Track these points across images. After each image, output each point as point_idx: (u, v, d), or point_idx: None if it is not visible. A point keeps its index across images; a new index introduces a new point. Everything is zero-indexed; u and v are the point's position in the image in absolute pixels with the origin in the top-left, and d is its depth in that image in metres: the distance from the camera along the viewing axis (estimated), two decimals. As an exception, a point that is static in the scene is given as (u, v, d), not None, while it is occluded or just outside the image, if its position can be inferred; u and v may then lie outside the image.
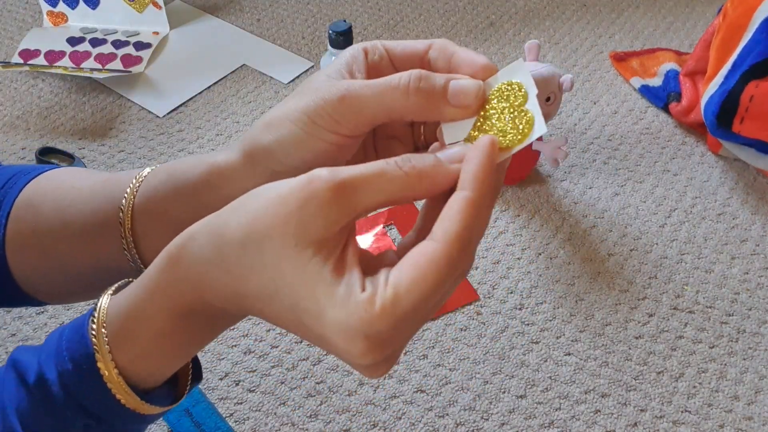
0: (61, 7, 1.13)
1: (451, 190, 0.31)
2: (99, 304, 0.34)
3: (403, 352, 0.73)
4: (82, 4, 1.13)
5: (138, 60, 1.08)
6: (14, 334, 0.74)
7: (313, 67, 1.08)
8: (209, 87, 1.05)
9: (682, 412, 0.70)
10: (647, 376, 0.73)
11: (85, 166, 0.91)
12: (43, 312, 0.76)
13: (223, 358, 0.72)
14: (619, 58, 1.10)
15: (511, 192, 0.90)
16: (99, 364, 0.33)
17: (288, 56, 1.11)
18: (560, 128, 1.00)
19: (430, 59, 0.36)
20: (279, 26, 1.17)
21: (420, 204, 0.36)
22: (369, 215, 0.86)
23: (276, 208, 0.29)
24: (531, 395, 0.71)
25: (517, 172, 0.89)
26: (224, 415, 0.68)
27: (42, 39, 1.11)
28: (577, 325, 0.77)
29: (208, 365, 0.72)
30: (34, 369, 0.34)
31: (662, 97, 1.02)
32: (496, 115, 0.33)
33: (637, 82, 1.06)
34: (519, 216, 0.88)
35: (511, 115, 0.32)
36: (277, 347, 0.73)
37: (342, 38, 0.94)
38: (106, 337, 0.33)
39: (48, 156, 0.93)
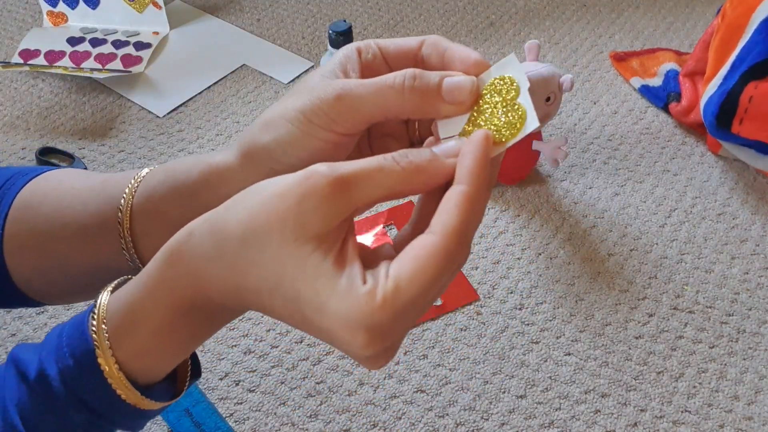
0: (61, 7, 1.13)
1: (447, 183, 0.31)
2: (99, 301, 0.35)
3: (404, 352, 0.73)
4: (82, 4, 1.13)
5: (138, 60, 1.08)
6: (14, 334, 0.74)
7: (313, 67, 1.08)
8: (209, 87, 1.05)
9: (682, 412, 0.70)
10: (647, 376, 0.73)
11: (85, 166, 0.91)
12: (43, 312, 0.76)
13: (223, 358, 0.72)
14: (619, 58, 1.10)
15: (511, 192, 0.90)
16: (99, 360, 0.33)
17: (288, 56, 1.11)
18: (560, 128, 1.00)
19: (423, 56, 0.36)
20: (279, 26, 1.17)
21: (416, 199, 0.36)
22: (369, 215, 0.86)
23: (275, 204, 0.30)
24: (531, 395, 0.71)
25: (517, 172, 0.89)
26: (224, 415, 0.68)
27: (42, 39, 1.11)
28: (577, 325, 0.77)
29: (208, 365, 0.72)
30: (34, 365, 0.34)
31: (662, 97, 1.02)
32: (490, 110, 0.33)
33: (637, 82, 1.06)
34: (519, 216, 0.88)
35: (504, 110, 0.33)
36: (277, 347, 0.73)
37: (342, 38, 0.94)
38: (107, 333, 0.33)
39: (48, 156, 0.93)
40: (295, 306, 0.30)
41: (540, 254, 0.83)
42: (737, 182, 0.92)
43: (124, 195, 0.39)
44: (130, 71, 1.05)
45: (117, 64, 1.06)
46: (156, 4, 1.12)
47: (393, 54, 0.37)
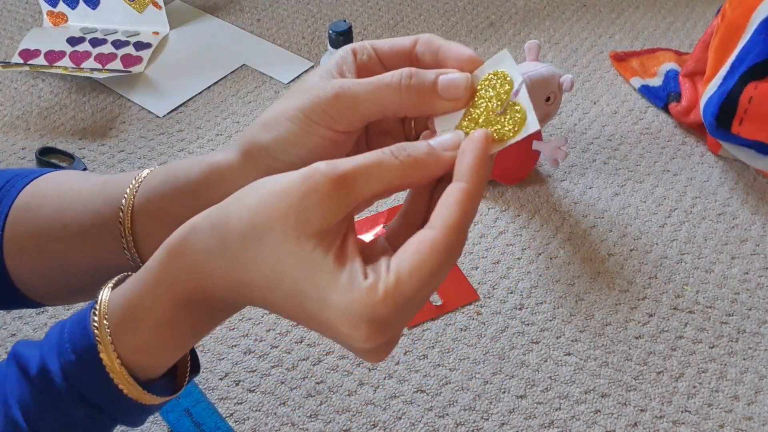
0: (61, 7, 1.13)
1: (440, 177, 0.32)
2: (100, 297, 0.35)
3: (404, 352, 0.73)
4: (82, 4, 1.13)
5: (138, 60, 1.08)
6: (14, 334, 0.74)
7: (313, 67, 1.08)
8: (209, 87, 1.05)
9: (682, 412, 0.70)
10: (647, 376, 0.73)
11: (85, 167, 0.91)
12: (43, 312, 0.76)
13: (223, 358, 0.72)
14: (619, 58, 1.10)
15: (511, 192, 0.90)
16: (101, 355, 0.33)
17: (288, 56, 1.11)
18: (560, 128, 1.00)
19: (417, 54, 0.37)
20: (279, 26, 1.17)
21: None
22: (369, 215, 0.86)
23: (277, 201, 0.30)
24: (531, 395, 0.71)
25: (517, 172, 0.89)
26: (224, 415, 0.68)
27: (42, 39, 1.11)
28: (577, 325, 0.77)
29: (208, 365, 0.72)
30: (35, 361, 0.34)
31: (662, 97, 1.02)
32: (484, 104, 0.34)
33: (637, 82, 1.06)
34: (519, 216, 0.88)
35: (499, 102, 0.34)
36: (277, 347, 0.73)
37: (342, 38, 0.94)
38: (108, 328, 0.33)
39: (48, 156, 0.93)
40: (296, 302, 0.31)
41: (540, 254, 0.83)
42: (737, 182, 0.92)
43: (125, 195, 0.39)
44: (130, 71, 1.05)
45: (117, 64, 1.06)
46: (156, 4, 1.12)
47: (387, 54, 0.37)
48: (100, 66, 1.06)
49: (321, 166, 0.30)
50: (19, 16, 1.19)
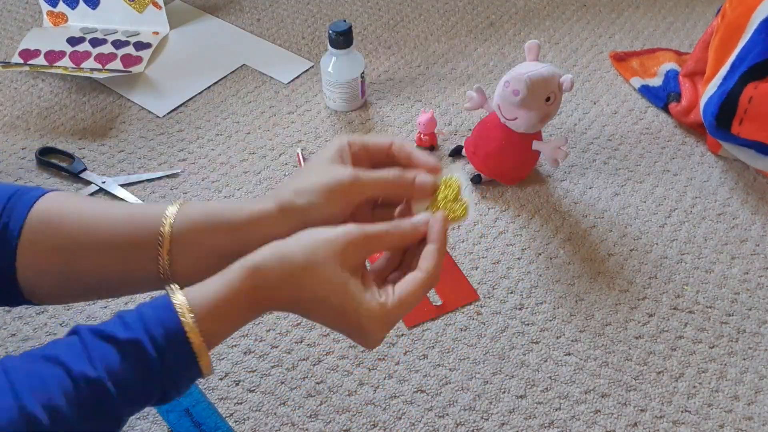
0: (61, 7, 1.13)
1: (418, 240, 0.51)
2: (176, 296, 0.45)
3: (404, 352, 0.73)
4: (82, 4, 1.13)
5: (138, 60, 1.08)
6: (14, 334, 0.74)
7: (313, 67, 1.08)
8: (209, 87, 1.05)
9: (682, 412, 0.70)
10: (647, 376, 0.73)
11: (85, 167, 0.91)
12: (43, 312, 0.76)
13: (223, 358, 0.72)
14: (619, 58, 1.10)
15: (511, 192, 0.90)
16: (190, 335, 0.44)
17: (288, 56, 1.11)
18: (560, 128, 1.00)
19: (393, 152, 0.53)
20: (279, 26, 1.17)
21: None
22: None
23: (327, 246, 0.47)
24: (531, 395, 0.71)
25: (517, 172, 0.89)
26: (224, 415, 0.68)
27: (42, 39, 1.11)
28: (577, 325, 0.77)
29: (208, 365, 0.72)
30: (125, 334, 0.43)
31: (662, 97, 1.02)
32: (443, 196, 0.52)
33: (637, 82, 1.06)
34: (519, 216, 0.88)
35: (453, 195, 0.52)
36: (277, 347, 0.73)
37: (342, 38, 0.94)
38: (194, 319, 0.44)
39: (48, 156, 0.93)
40: (337, 310, 0.47)
41: (540, 254, 0.83)
42: (737, 182, 0.92)
43: (162, 226, 0.50)
44: (130, 71, 1.05)
45: (117, 64, 1.06)
46: (156, 4, 1.12)
47: (372, 149, 0.53)
48: (100, 66, 1.06)
49: (354, 228, 0.48)
50: (19, 16, 1.19)
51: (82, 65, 1.06)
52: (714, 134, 0.90)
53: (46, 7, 1.14)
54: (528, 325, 0.76)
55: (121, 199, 0.88)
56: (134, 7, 1.12)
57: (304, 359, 0.73)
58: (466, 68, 1.09)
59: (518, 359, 0.73)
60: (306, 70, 1.08)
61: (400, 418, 0.68)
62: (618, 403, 0.71)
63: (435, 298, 0.78)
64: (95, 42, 1.11)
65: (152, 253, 0.50)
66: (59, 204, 0.52)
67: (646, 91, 1.04)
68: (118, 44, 1.10)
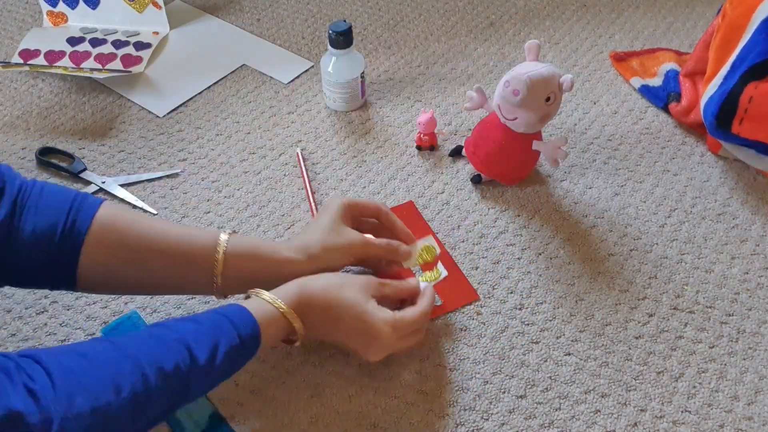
0: (61, 7, 1.13)
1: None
2: (270, 297, 0.64)
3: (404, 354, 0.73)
4: (82, 4, 1.13)
5: (138, 60, 1.08)
6: (14, 334, 0.74)
7: (313, 67, 1.08)
8: (209, 87, 1.05)
9: (682, 412, 0.70)
10: (647, 376, 0.73)
11: (85, 167, 0.91)
12: (43, 312, 0.76)
13: (223, 358, 0.72)
14: (619, 58, 1.10)
15: (511, 192, 0.90)
16: (295, 324, 0.64)
17: (288, 56, 1.11)
18: (560, 128, 1.00)
19: (380, 215, 0.76)
20: (279, 26, 1.17)
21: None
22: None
23: (357, 278, 0.68)
24: (531, 395, 0.71)
25: (517, 172, 0.89)
26: (224, 416, 0.68)
27: (42, 39, 1.11)
28: (577, 325, 0.77)
29: (208, 365, 0.72)
30: (235, 333, 0.60)
31: (662, 97, 1.02)
32: (422, 259, 0.79)
33: (637, 82, 1.06)
34: (519, 216, 0.88)
35: (430, 259, 0.79)
36: (277, 348, 0.73)
37: (342, 38, 0.94)
38: (287, 313, 0.64)
39: (48, 156, 0.93)
40: (360, 320, 0.66)
41: (540, 254, 0.83)
42: (737, 182, 0.92)
43: (217, 252, 0.66)
44: (130, 71, 1.05)
45: (117, 64, 1.06)
46: (156, 4, 1.12)
47: (365, 211, 0.75)
48: (100, 66, 1.06)
49: (373, 278, 0.70)
50: (19, 16, 1.19)
51: (82, 65, 1.06)
52: (714, 134, 0.90)
53: (46, 7, 1.14)
54: (528, 325, 0.76)
55: (122, 200, 0.88)
56: (134, 7, 1.12)
57: (304, 362, 0.72)
58: (466, 68, 1.09)
59: (518, 359, 0.73)
60: (306, 70, 1.08)
61: (400, 419, 0.68)
62: (618, 403, 0.71)
63: (435, 298, 0.78)
64: (95, 42, 1.11)
65: (204, 269, 0.66)
66: (121, 212, 0.65)
67: (646, 91, 1.04)
68: (118, 44, 1.10)
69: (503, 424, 0.69)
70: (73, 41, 1.11)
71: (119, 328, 0.74)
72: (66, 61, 1.07)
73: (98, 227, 0.62)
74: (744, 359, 0.74)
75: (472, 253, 0.83)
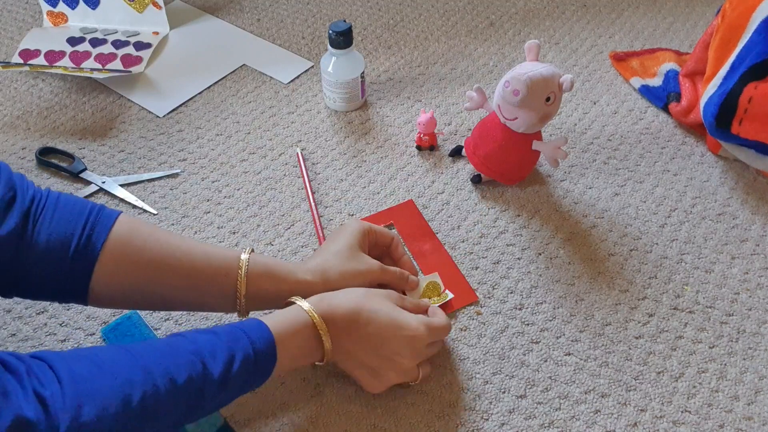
0: (61, 7, 1.14)
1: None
2: (307, 307, 0.64)
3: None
4: (82, 4, 1.13)
5: (138, 60, 1.08)
6: (14, 334, 0.74)
7: (313, 67, 1.08)
8: (209, 87, 1.05)
9: (682, 412, 0.70)
10: (647, 376, 0.73)
11: (85, 167, 0.91)
12: (43, 312, 0.76)
13: (223, 358, 0.72)
14: (619, 58, 1.10)
15: (511, 192, 0.90)
16: (324, 337, 0.63)
17: (288, 56, 1.11)
18: (560, 128, 1.00)
19: (391, 246, 0.78)
20: (279, 26, 1.17)
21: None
22: (371, 215, 0.86)
23: (382, 294, 0.69)
24: (531, 395, 0.71)
25: (517, 172, 0.89)
26: (225, 416, 0.68)
27: (42, 39, 1.11)
28: (577, 325, 0.77)
29: (208, 365, 0.72)
30: (248, 348, 0.59)
31: (662, 97, 1.02)
32: (429, 292, 0.78)
33: (636, 82, 1.06)
34: (519, 216, 0.88)
35: (435, 293, 0.78)
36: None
37: (342, 38, 0.94)
38: (319, 327, 0.63)
39: (48, 156, 0.93)
40: (393, 327, 0.66)
41: (540, 254, 0.83)
42: (737, 182, 0.92)
43: (239, 274, 0.66)
44: (130, 71, 1.05)
45: (117, 64, 1.06)
46: (156, 4, 1.12)
47: (380, 240, 0.77)
48: (100, 66, 1.06)
49: (393, 293, 0.70)
50: (19, 16, 1.19)
51: (82, 65, 1.06)
52: (714, 134, 0.90)
53: (46, 7, 1.14)
54: (528, 325, 0.76)
55: (122, 200, 0.88)
56: (134, 7, 1.12)
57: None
58: (466, 68, 1.09)
59: (518, 359, 0.73)
60: (306, 70, 1.08)
61: (401, 420, 0.68)
62: (618, 403, 0.71)
63: (435, 298, 0.78)
64: (95, 42, 1.11)
65: (223, 289, 0.66)
66: (138, 225, 0.64)
67: (646, 91, 1.04)
68: (118, 44, 1.10)
69: (503, 424, 0.69)
70: (73, 41, 1.11)
71: (119, 328, 0.74)
72: (66, 61, 1.07)
73: (114, 242, 0.61)
74: (744, 359, 0.75)
75: (472, 253, 0.83)
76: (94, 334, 0.74)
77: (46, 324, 0.75)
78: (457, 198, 0.89)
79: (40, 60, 1.07)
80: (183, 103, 1.02)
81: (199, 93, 1.04)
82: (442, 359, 0.73)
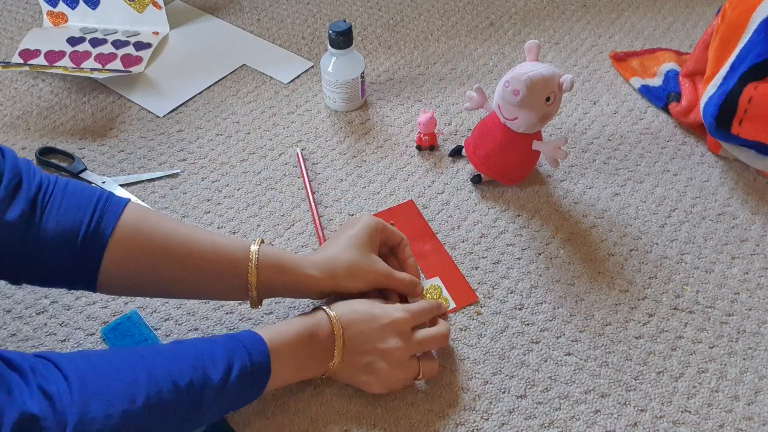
0: (61, 7, 1.14)
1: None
2: (328, 310, 0.67)
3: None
4: (82, 4, 1.13)
5: (138, 60, 1.08)
6: (14, 334, 0.74)
7: (313, 67, 1.08)
8: (209, 87, 1.05)
9: (682, 412, 0.70)
10: (647, 376, 0.73)
11: (85, 167, 0.91)
12: (43, 312, 0.76)
13: (223, 358, 0.72)
14: (619, 58, 1.10)
15: (511, 192, 0.90)
16: (338, 342, 0.66)
17: (288, 56, 1.11)
18: (560, 128, 1.00)
19: (399, 247, 0.78)
20: (279, 26, 1.17)
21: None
22: (372, 214, 0.86)
23: (371, 305, 0.70)
24: (531, 395, 0.71)
25: (517, 172, 0.89)
26: (225, 417, 0.68)
27: (42, 39, 1.11)
28: (577, 325, 0.77)
29: (208, 365, 0.71)
30: (243, 359, 0.60)
31: (662, 97, 1.02)
32: (429, 295, 0.78)
33: (636, 82, 1.06)
34: (519, 216, 0.88)
35: (437, 295, 0.78)
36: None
37: (342, 38, 0.94)
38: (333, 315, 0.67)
39: (48, 156, 0.93)
40: (368, 323, 0.67)
41: (540, 254, 0.83)
42: (737, 182, 0.92)
43: (250, 266, 0.66)
44: (130, 71, 1.05)
45: (117, 64, 1.06)
46: (156, 4, 1.12)
47: (390, 240, 0.77)
48: (100, 66, 1.06)
49: (399, 307, 0.70)
50: (19, 16, 1.19)
51: (82, 65, 1.06)
52: (714, 134, 0.90)
53: (46, 7, 1.14)
54: (528, 325, 0.76)
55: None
56: (134, 7, 1.12)
57: (304, 359, 0.72)
58: (466, 68, 1.09)
59: (518, 359, 0.73)
60: (306, 70, 1.08)
61: (400, 420, 0.68)
62: (618, 403, 0.71)
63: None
64: (95, 42, 1.11)
65: (233, 279, 0.66)
66: (146, 214, 0.64)
67: (646, 91, 1.04)
68: (118, 44, 1.10)
69: (503, 424, 0.69)
70: (73, 41, 1.11)
71: (119, 328, 0.74)
72: (66, 61, 1.07)
73: (123, 229, 0.61)
74: (744, 359, 0.75)
75: (472, 253, 0.83)
76: (94, 334, 0.74)
77: (46, 324, 0.75)
78: (457, 198, 0.89)
79: (40, 60, 1.07)
80: (183, 103, 1.02)
81: (199, 93, 1.04)
82: (442, 359, 0.73)
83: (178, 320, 0.75)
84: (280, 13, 1.20)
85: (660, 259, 0.83)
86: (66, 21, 1.14)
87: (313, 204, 0.87)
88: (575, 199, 0.90)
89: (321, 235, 0.84)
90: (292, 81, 1.06)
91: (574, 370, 0.73)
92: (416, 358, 0.69)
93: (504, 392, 0.71)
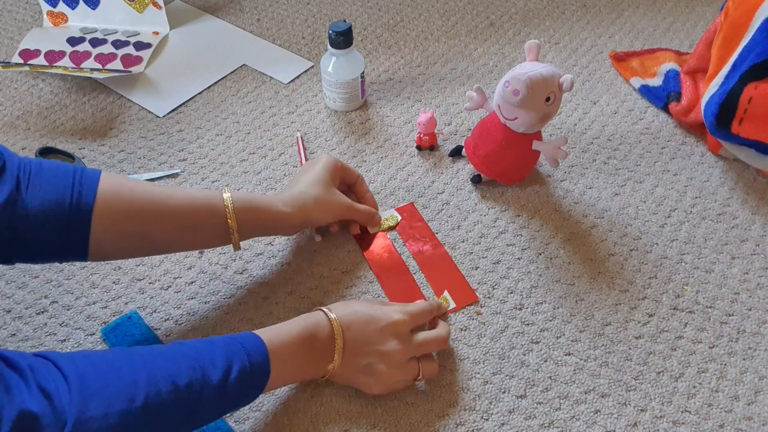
0: (61, 7, 1.14)
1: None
2: (328, 312, 0.68)
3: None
4: (82, 4, 1.13)
5: (138, 60, 1.08)
6: (14, 334, 0.74)
7: (313, 67, 1.08)
8: (209, 87, 1.05)
9: (682, 412, 0.70)
10: (647, 376, 0.73)
11: (85, 166, 0.91)
12: (43, 312, 0.76)
13: (223, 358, 0.72)
14: (619, 58, 1.10)
15: (511, 192, 0.90)
16: (338, 340, 0.66)
17: (288, 56, 1.11)
18: (560, 128, 1.00)
19: (357, 183, 0.84)
20: (279, 26, 1.17)
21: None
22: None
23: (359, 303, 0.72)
24: (531, 395, 0.71)
25: (517, 172, 0.89)
26: (225, 418, 0.68)
27: (42, 39, 1.11)
28: (577, 325, 0.77)
29: (208, 365, 0.71)
30: (242, 360, 0.60)
31: (662, 97, 1.02)
32: (387, 224, 0.85)
33: (636, 82, 1.06)
34: (519, 216, 0.88)
35: (394, 224, 0.86)
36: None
37: (342, 38, 0.94)
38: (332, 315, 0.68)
39: (48, 156, 0.93)
40: (367, 325, 0.68)
41: (540, 254, 0.83)
42: (737, 182, 0.92)
43: (228, 212, 0.70)
44: (130, 71, 1.05)
45: (117, 64, 1.06)
46: (156, 4, 1.12)
47: (347, 177, 0.83)
48: (100, 66, 1.06)
49: (398, 309, 0.72)
50: (19, 16, 1.19)
51: (82, 65, 1.06)
52: (714, 134, 0.90)
53: (46, 7, 1.14)
54: (528, 325, 0.76)
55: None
56: (134, 7, 1.12)
57: (304, 359, 0.72)
58: (466, 68, 1.09)
59: (518, 359, 0.73)
60: (306, 70, 1.08)
61: (400, 420, 0.68)
62: (618, 403, 0.71)
63: (434, 298, 0.78)
64: (95, 42, 1.11)
65: (212, 226, 0.70)
66: (121, 181, 0.66)
67: (646, 91, 1.04)
68: (118, 44, 1.10)
69: (503, 424, 0.69)
70: (73, 41, 1.11)
71: (119, 328, 0.74)
72: (66, 61, 1.07)
73: (103, 197, 0.64)
74: (744, 359, 0.74)
75: (472, 253, 0.83)
76: (94, 334, 0.74)
77: (46, 324, 0.75)
78: (457, 198, 0.89)
79: (40, 60, 1.07)
80: (183, 103, 1.02)
81: (199, 93, 1.04)
82: (442, 359, 0.73)
83: (178, 320, 0.75)
84: (280, 13, 1.20)
85: (660, 259, 0.83)
86: (66, 21, 1.14)
87: (313, 204, 0.87)
88: (575, 199, 0.90)
89: (320, 233, 0.84)
90: (292, 81, 1.06)
91: (574, 370, 0.73)
92: (416, 359, 0.69)
93: (504, 392, 0.71)
